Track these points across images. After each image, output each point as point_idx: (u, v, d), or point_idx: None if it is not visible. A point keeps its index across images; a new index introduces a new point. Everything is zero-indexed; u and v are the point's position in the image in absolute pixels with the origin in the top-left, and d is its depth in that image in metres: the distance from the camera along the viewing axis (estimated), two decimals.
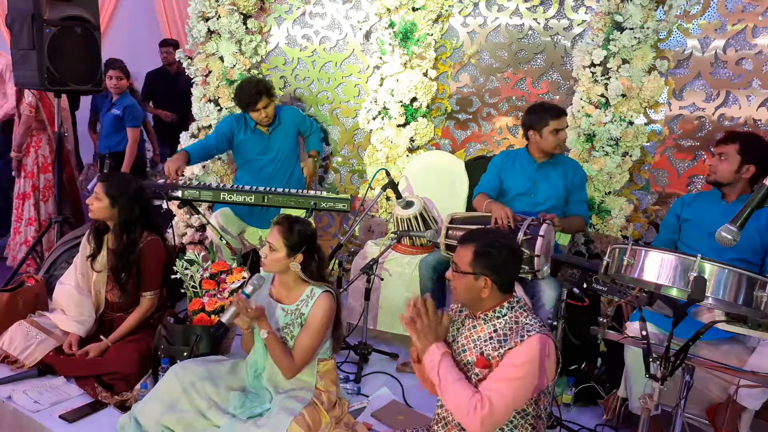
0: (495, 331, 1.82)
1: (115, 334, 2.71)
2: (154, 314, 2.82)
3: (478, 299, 1.84)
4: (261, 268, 2.30)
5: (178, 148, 4.23)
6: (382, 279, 3.19)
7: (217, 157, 4.10)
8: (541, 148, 2.92)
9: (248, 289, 2.21)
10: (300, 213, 3.33)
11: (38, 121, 4.12)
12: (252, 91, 3.38)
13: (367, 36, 3.96)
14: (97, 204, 2.66)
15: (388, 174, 3.35)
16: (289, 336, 2.21)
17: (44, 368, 2.62)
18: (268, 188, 3.30)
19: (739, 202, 2.48)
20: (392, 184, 3.33)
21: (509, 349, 1.75)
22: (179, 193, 3.16)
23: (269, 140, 3.59)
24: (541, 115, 2.88)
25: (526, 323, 1.80)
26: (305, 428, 2.07)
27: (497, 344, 1.79)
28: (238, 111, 4.08)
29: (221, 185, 3.34)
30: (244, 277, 2.74)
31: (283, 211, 3.58)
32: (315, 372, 2.27)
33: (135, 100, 4.67)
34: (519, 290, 2.87)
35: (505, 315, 1.83)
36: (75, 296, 2.75)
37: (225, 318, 2.17)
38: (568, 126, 3.02)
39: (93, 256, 2.77)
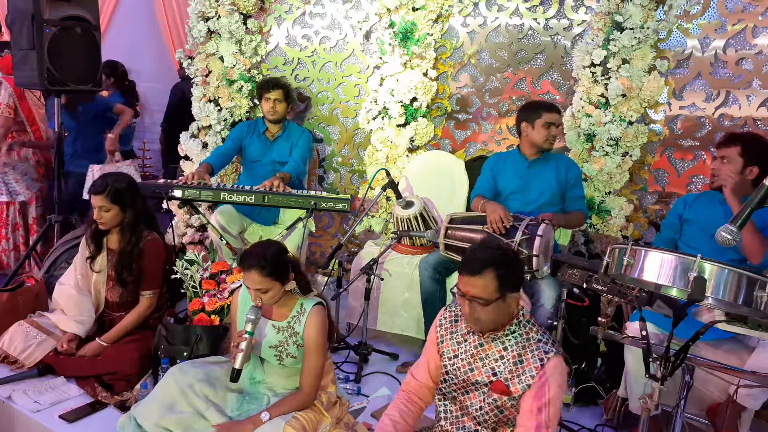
0: (505, 349, 1.80)
1: (111, 333, 2.70)
2: (153, 314, 2.82)
3: (504, 317, 1.79)
4: (254, 301, 2.15)
5: (180, 150, 4.25)
6: (382, 279, 3.19)
7: None
8: (532, 142, 2.93)
9: (249, 327, 2.08)
10: (300, 213, 3.34)
11: (17, 123, 3.98)
12: (272, 81, 3.53)
13: (367, 36, 3.96)
14: (107, 215, 2.65)
15: (388, 174, 3.35)
16: (284, 353, 2.18)
17: (44, 368, 2.62)
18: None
19: (740, 203, 2.47)
20: (392, 184, 3.33)
21: (531, 377, 1.73)
22: (179, 193, 3.16)
23: (271, 147, 3.64)
24: (535, 108, 2.94)
25: (539, 339, 1.79)
26: (300, 430, 2.05)
27: (513, 367, 1.77)
28: (238, 112, 4.12)
29: (221, 185, 3.35)
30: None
31: (282, 218, 3.62)
32: None
33: (124, 100, 4.65)
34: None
35: (515, 332, 1.81)
36: (74, 296, 2.75)
37: (237, 364, 2.09)
38: (561, 125, 3.03)
39: (92, 258, 2.77)
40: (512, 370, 1.77)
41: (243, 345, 2.07)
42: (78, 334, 2.70)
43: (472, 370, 1.84)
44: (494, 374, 1.80)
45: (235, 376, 2.10)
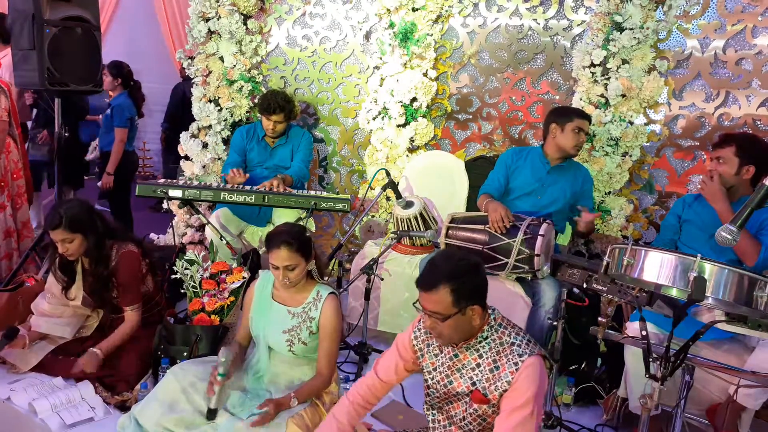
0: (480, 357, 1.78)
1: (105, 344, 2.62)
2: (156, 316, 2.80)
3: (469, 329, 1.76)
4: (280, 283, 2.21)
5: (180, 150, 4.25)
6: (382, 279, 3.19)
7: (217, 157, 4.12)
8: (559, 146, 2.91)
9: (221, 369, 2.08)
10: (300, 213, 3.34)
11: (8, 124, 3.82)
12: (277, 101, 3.50)
13: (367, 36, 3.96)
14: (72, 246, 2.54)
15: (388, 174, 3.35)
16: (295, 338, 2.21)
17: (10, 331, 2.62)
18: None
19: (739, 203, 2.47)
20: (392, 184, 3.33)
21: (508, 383, 1.72)
22: (179, 193, 3.16)
23: (271, 153, 3.66)
24: (567, 112, 2.92)
25: (512, 342, 1.76)
26: (304, 429, 2.07)
27: (490, 374, 1.75)
28: (238, 112, 4.12)
29: (221, 185, 3.35)
30: (244, 277, 2.74)
31: (275, 218, 3.63)
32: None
33: (129, 100, 4.66)
34: (519, 289, 2.87)
35: (488, 338, 1.78)
36: (43, 303, 2.74)
37: (213, 404, 2.08)
38: (589, 133, 3.02)
39: (67, 288, 2.69)
40: (489, 378, 1.75)
41: (217, 388, 2.07)
42: (42, 331, 2.67)
43: (451, 382, 1.83)
44: (473, 384, 1.78)
45: (211, 415, 2.09)
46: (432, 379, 1.87)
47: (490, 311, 1.81)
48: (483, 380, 1.76)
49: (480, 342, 1.78)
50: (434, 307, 1.70)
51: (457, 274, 1.70)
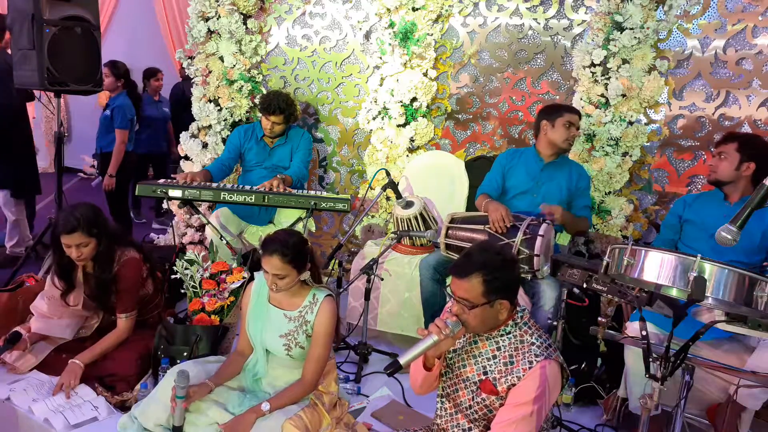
0: (498, 349, 1.80)
1: (87, 354, 2.57)
2: (155, 318, 2.80)
3: (494, 322, 1.79)
4: (271, 291, 2.21)
5: (180, 150, 4.25)
6: (382, 279, 3.19)
7: (217, 157, 4.12)
8: (551, 141, 2.92)
9: (179, 392, 2.04)
10: (300, 213, 3.34)
11: None
12: (277, 102, 3.51)
13: (367, 36, 3.96)
14: (87, 250, 2.50)
15: (388, 174, 3.35)
16: (292, 343, 2.20)
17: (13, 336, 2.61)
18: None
19: (741, 203, 2.48)
20: (392, 184, 3.33)
21: (518, 378, 1.73)
22: (179, 193, 3.16)
23: (270, 153, 3.66)
24: (556, 108, 2.96)
25: (532, 342, 1.77)
26: (302, 429, 2.06)
27: (503, 368, 1.76)
28: (238, 112, 4.12)
29: (221, 185, 3.35)
30: (244, 277, 2.74)
31: (278, 218, 3.62)
32: None
33: (129, 101, 4.66)
34: (519, 289, 2.87)
35: (510, 333, 1.80)
36: (42, 304, 2.72)
37: (176, 421, 2.06)
38: (579, 128, 3.04)
39: (66, 293, 2.64)
40: (502, 371, 1.77)
41: (177, 410, 2.05)
42: (40, 333, 2.65)
43: (464, 365, 1.85)
44: (485, 373, 1.80)
45: (177, 430, 2.08)
46: (450, 358, 1.89)
47: (519, 309, 1.83)
48: (495, 372, 1.78)
49: (501, 335, 1.80)
50: (464, 294, 1.73)
51: (492, 267, 1.72)
